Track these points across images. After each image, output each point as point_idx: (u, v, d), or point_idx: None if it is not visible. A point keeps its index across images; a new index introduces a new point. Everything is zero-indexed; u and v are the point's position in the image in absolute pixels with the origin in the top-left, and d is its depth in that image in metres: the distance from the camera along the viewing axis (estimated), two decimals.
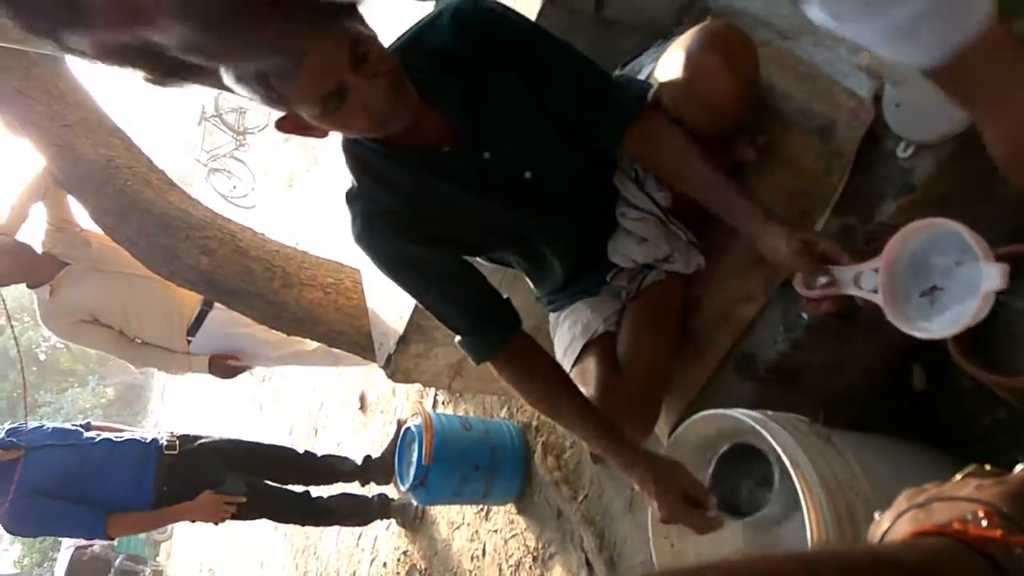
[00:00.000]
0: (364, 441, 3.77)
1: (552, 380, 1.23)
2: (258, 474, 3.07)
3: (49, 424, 3.05)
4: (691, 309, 1.38)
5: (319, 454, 3.27)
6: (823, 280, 1.06)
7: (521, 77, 1.19)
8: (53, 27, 0.48)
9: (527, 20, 1.23)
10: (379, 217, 1.19)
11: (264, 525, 3.45)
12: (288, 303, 2.29)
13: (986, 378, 1.02)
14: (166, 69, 0.55)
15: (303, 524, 3.49)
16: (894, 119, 1.11)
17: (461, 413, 2.93)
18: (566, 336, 1.42)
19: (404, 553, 3.22)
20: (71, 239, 2.80)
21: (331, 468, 3.25)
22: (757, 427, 1.04)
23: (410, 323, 1.92)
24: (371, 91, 1.00)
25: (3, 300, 2.74)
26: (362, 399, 3.99)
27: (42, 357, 17.45)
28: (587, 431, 1.20)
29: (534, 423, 2.52)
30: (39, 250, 2.79)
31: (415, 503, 3.08)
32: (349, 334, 2.32)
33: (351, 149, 1.20)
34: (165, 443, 2.93)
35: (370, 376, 3.85)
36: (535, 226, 1.31)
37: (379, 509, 3.24)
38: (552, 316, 1.52)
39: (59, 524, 2.86)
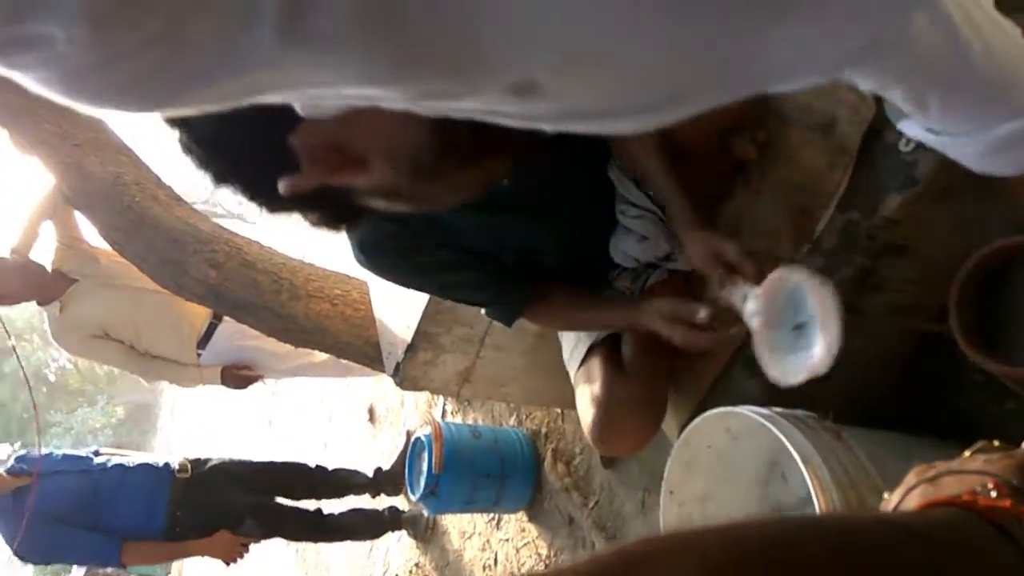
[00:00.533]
0: (373, 453, 3.76)
1: (572, 317, 1.37)
2: (270, 493, 3.07)
3: (59, 451, 3.05)
4: None
5: (330, 468, 3.27)
6: (712, 297, 1.12)
7: None
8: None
9: None
10: (374, 246, 1.23)
11: (276, 541, 3.45)
12: (296, 315, 2.30)
13: (995, 369, 1.02)
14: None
15: (315, 542, 3.48)
16: (896, 113, 1.11)
17: (470, 422, 2.93)
18: (571, 338, 1.43)
19: (416, 565, 3.21)
20: (80, 256, 2.82)
21: (342, 481, 3.25)
22: (767, 424, 1.04)
23: (417, 332, 1.92)
24: None
25: (3, 324, 2.75)
26: (371, 411, 4.00)
27: (52, 378, 17.50)
28: (602, 323, 1.35)
29: (543, 430, 2.52)
30: (49, 268, 2.81)
31: (426, 514, 3.07)
32: (357, 345, 2.33)
33: None
34: (177, 467, 2.94)
35: (379, 388, 3.85)
36: (534, 231, 1.31)
37: (390, 521, 3.24)
38: None
39: (73, 551, 2.87)
